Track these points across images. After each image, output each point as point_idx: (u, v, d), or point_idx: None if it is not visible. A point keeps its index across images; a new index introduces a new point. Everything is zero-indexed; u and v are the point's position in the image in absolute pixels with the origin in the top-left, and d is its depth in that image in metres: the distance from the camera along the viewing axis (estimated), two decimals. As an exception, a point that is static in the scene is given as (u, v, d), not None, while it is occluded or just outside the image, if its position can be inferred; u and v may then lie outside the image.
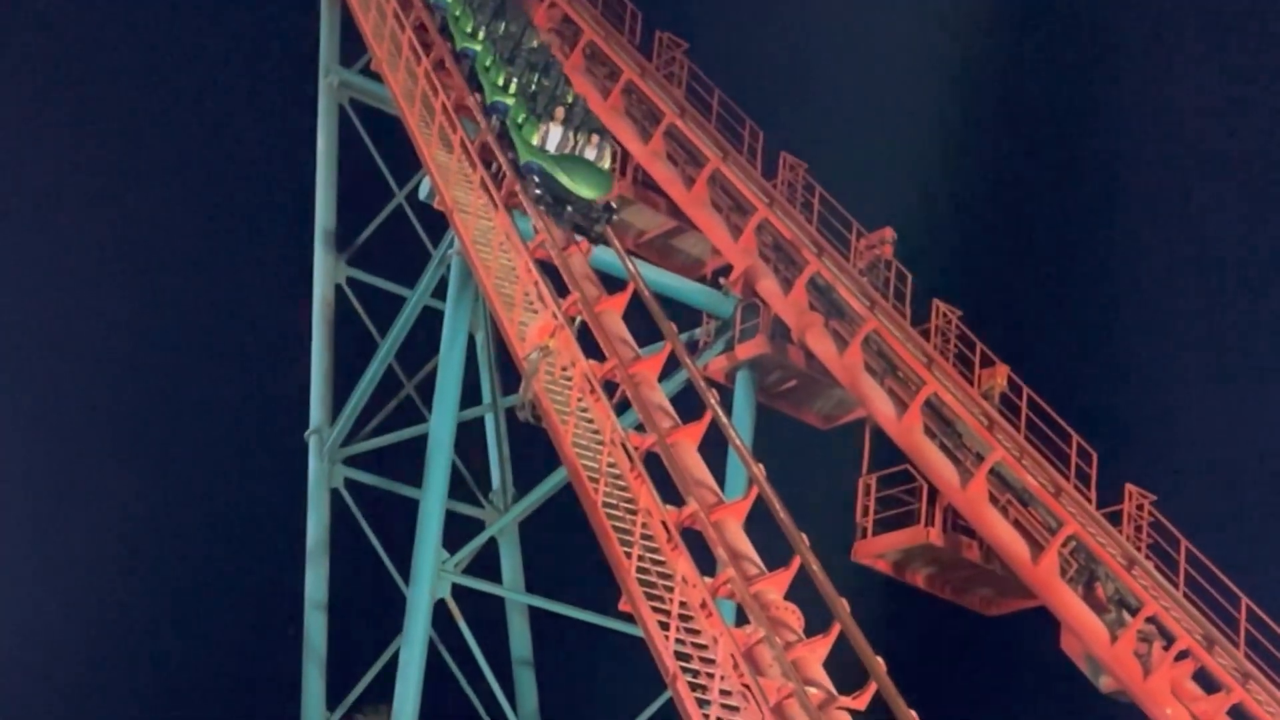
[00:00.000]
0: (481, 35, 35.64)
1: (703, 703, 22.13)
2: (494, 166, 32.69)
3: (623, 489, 25.30)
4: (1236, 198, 48.44)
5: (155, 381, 45.68)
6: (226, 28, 48.39)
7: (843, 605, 23.58)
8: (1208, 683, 28.94)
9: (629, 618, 24.03)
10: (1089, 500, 31.72)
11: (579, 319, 28.52)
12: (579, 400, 26.94)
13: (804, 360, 34.11)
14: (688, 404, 28.16)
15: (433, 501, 32.60)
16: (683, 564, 23.48)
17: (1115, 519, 31.46)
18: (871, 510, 32.29)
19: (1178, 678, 28.91)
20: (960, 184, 48.02)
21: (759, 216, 34.63)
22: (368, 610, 37.82)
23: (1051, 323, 46.95)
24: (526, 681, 38.05)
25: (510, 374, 32.94)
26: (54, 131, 46.52)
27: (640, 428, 26.82)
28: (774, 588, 23.95)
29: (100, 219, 46.53)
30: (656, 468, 25.52)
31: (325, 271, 39.40)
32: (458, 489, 36.25)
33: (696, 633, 22.97)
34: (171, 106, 48.00)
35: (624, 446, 25.50)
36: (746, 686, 21.91)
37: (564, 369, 27.64)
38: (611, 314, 29.25)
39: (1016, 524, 30.80)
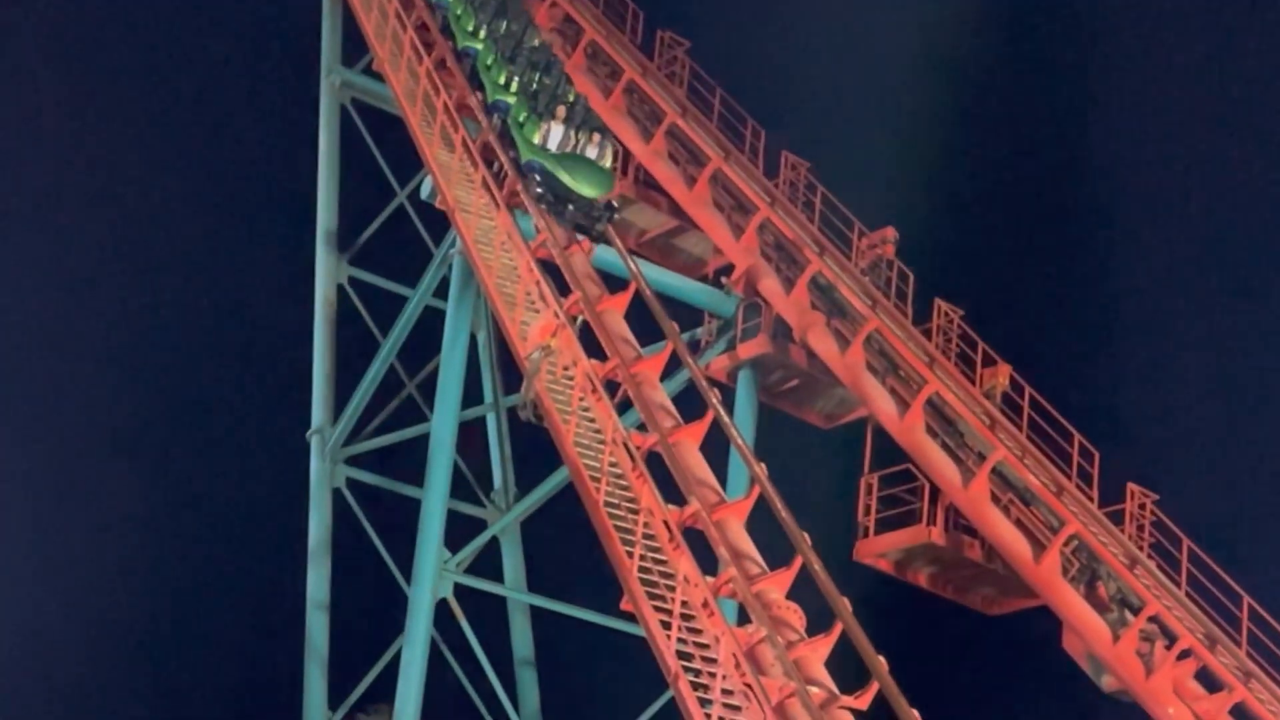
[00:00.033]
0: (483, 34, 35.66)
1: (705, 702, 22.13)
2: (495, 166, 32.70)
3: (624, 488, 25.30)
4: (1238, 197, 48.44)
5: (157, 381, 45.70)
6: (229, 28, 48.43)
7: (844, 604, 23.58)
8: (1210, 682, 28.94)
9: (631, 617, 24.04)
10: (1091, 499, 31.73)
11: (581, 318, 28.54)
12: (581, 400, 26.94)
13: (806, 359, 34.10)
14: (689, 403, 28.18)
15: (434, 501, 32.60)
16: (684, 563, 23.47)
17: (1117, 518, 31.47)
18: (873, 509, 32.30)
19: (1180, 677, 28.91)
20: (962, 183, 48.03)
21: (761, 216, 34.62)
22: (369, 610, 37.82)
23: (1053, 322, 46.95)
24: (528, 681, 38.04)
25: (512, 373, 32.89)
26: (55, 131, 46.57)
27: (642, 427, 26.83)
28: (776, 587, 23.96)
29: (102, 219, 46.55)
30: (658, 467, 25.53)
31: (327, 271, 39.39)
32: (459, 488, 36.24)
33: (698, 632, 22.97)
34: (173, 106, 48.05)
35: (626, 446, 25.50)
36: (748, 686, 21.91)
37: (566, 368, 27.64)
38: (613, 313, 29.26)
39: (1018, 523, 30.80)
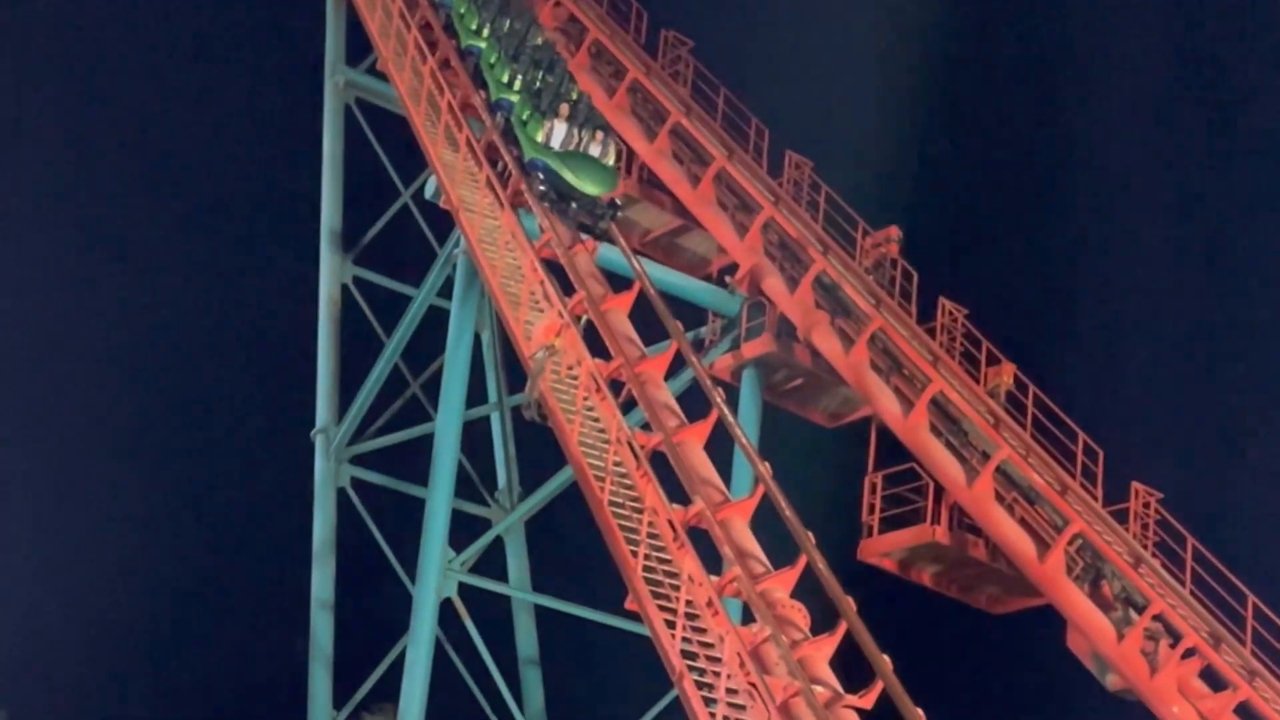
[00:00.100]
0: (486, 32, 35.69)
1: (709, 701, 22.15)
2: (500, 165, 32.71)
3: (629, 487, 25.32)
4: (1244, 198, 48.42)
5: (161, 381, 45.72)
6: (232, 28, 48.44)
7: (849, 603, 23.57)
8: (1214, 680, 28.93)
9: (635, 616, 24.04)
10: (1095, 498, 31.72)
11: (585, 318, 28.57)
12: (585, 399, 26.95)
13: (810, 358, 34.08)
14: (693, 402, 28.17)
15: (439, 500, 32.61)
16: (689, 562, 23.48)
17: (1121, 517, 31.47)
18: (877, 508, 32.26)
19: (1184, 675, 28.90)
20: (966, 182, 48.02)
21: (765, 215, 34.60)
22: (374, 609, 37.83)
23: (1057, 320, 46.95)
24: (533, 680, 38.08)
25: (516, 373, 32.92)
26: (58, 130, 46.58)
27: (646, 426, 26.83)
28: (780, 586, 23.97)
29: (105, 219, 46.58)
30: (662, 466, 25.54)
31: (331, 271, 39.41)
32: (464, 488, 36.23)
33: (703, 631, 22.98)
34: (177, 106, 48.05)
35: (630, 445, 25.52)
36: (753, 685, 21.92)
37: (570, 368, 27.65)
38: (617, 313, 29.27)
39: (1023, 522, 30.76)
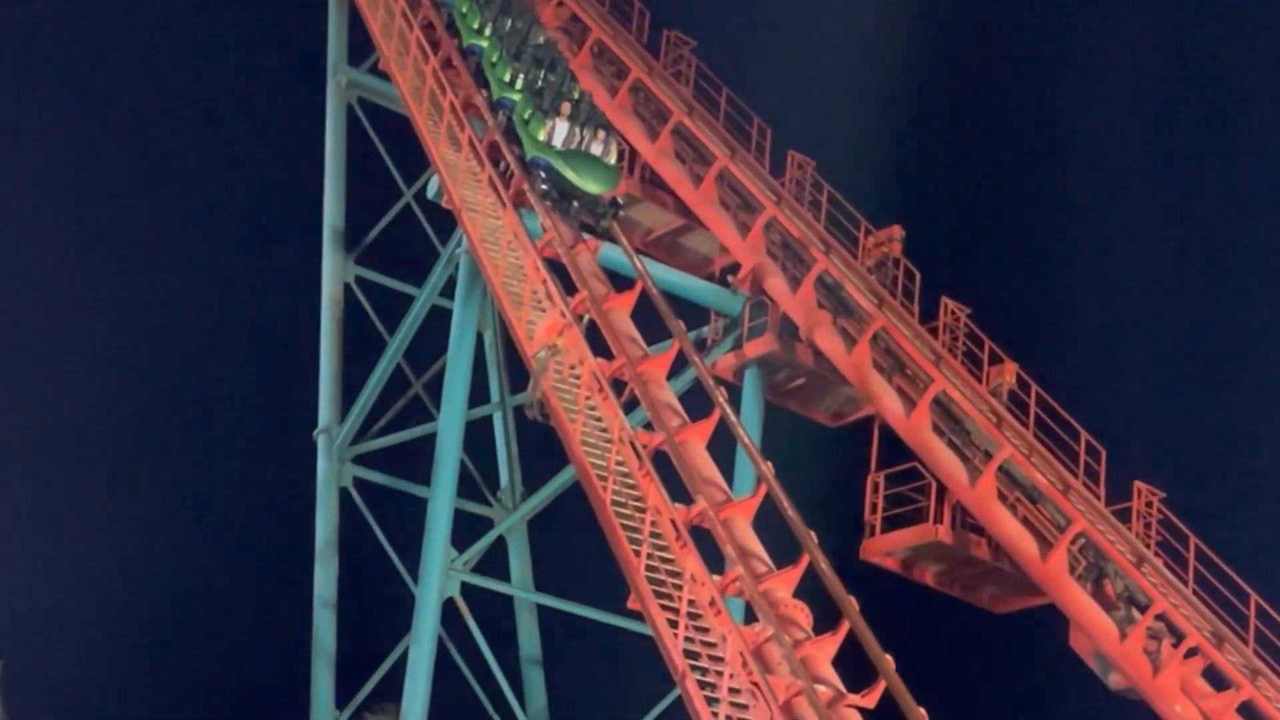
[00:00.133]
0: (488, 31, 35.72)
1: (711, 701, 22.13)
2: (502, 164, 32.72)
3: (631, 487, 25.31)
4: (1248, 197, 48.40)
5: (164, 381, 45.72)
6: (234, 27, 48.42)
7: (851, 603, 23.58)
8: (1217, 680, 28.90)
9: (638, 616, 24.03)
10: (1098, 497, 31.70)
11: (587, 317, 28.58)
12: (587, 398, 26.94)
13: (812, 358, 34.07)
14: (696, 402, 28.17)
15: (441, 500, 32.61)
16: (691, 562, 23.48)
17: (1124, 516, 31.45)
18: (880, 508, 32.26)
19: (1187, 675, 28.87)
20: (968, 181, 48.02)
21: (767, 214, 34.59)
22: (376, 609, 37.83)
23: (1060, 319, 46.92)
24: (535, 680, 38.07)
25: (518, 372, 32.95)
26: (59, 130, 46.58)
27: (648, 426, 26.82)
28: (782, 585, 23.97)
29: (107, 218, 46.58)
30: (665, 466, 25.53)
31: (334, 270, 39.41)
32: (466, 488, 36.23)
33: (705, 631, 22.97)
34: (178, 106, 48.06)
35: (632, 445, 25.52)
36: (755, 684, 21.91)
37: (572, 367, 27.65)
38: (619, 312, 29.26)
39: (1025, 521, 30.74)
